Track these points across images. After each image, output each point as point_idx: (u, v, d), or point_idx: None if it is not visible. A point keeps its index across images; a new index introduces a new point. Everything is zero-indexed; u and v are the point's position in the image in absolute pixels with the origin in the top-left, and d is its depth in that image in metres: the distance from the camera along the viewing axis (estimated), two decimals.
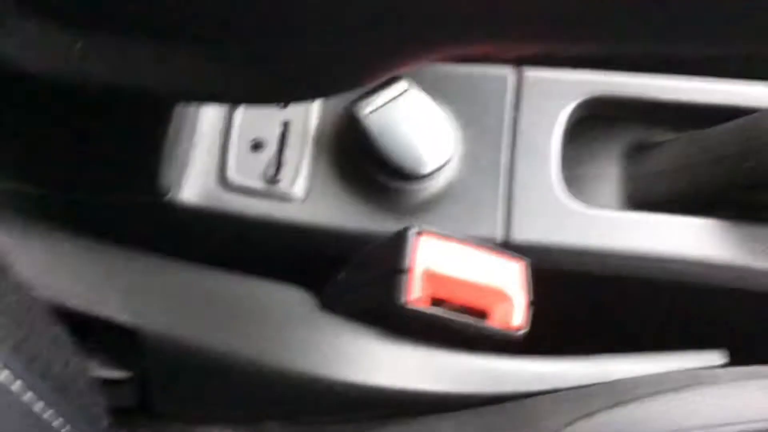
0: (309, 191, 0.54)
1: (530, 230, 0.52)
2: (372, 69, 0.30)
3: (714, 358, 0.45)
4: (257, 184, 0.53)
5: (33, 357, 0.24)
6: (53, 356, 0.26)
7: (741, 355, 0.44)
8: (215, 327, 0.38)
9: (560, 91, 0.55)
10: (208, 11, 0.26)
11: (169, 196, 0.51)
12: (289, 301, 0.45)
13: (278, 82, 0.29)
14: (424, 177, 0.53)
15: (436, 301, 0.46)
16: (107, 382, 0.37)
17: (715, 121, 0.53)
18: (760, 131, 0.49)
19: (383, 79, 0.30)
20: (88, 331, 0.35)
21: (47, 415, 0.26)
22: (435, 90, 0.55)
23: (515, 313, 0.47)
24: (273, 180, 0.53)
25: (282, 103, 0.46)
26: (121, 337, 0.36)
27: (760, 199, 0.51)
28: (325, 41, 0.27)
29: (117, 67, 0.29)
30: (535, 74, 0.56)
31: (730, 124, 0.51)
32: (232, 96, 0.31)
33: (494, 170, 0.54)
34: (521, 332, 0.46)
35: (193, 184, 0.52)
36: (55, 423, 0.27)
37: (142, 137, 0.45)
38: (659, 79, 0.55)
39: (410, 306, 0.44)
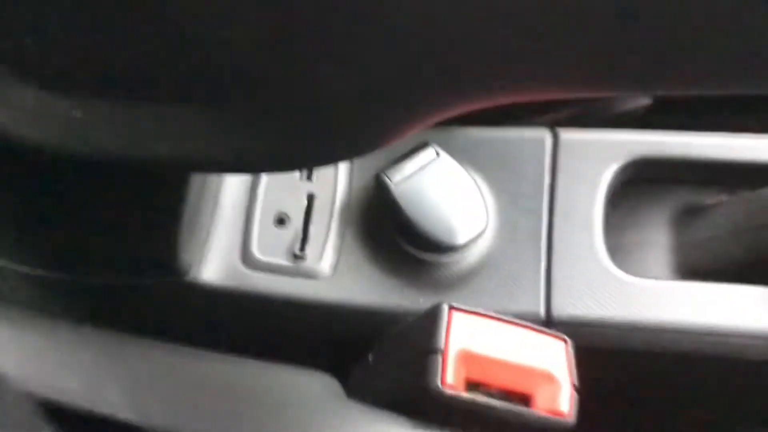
0: (336, 267, 0.51)
1: (574, 304, 0.48)
2: (396, 123, 0.27)
3: None
4: (282, 261, 0.51)
5: None
6: None
7: None
8: (232, 422, 0.35)
9: (600, 153, 0.52)
10: (215, 74, 0.23)
11: (190, 275, 0.49)
12: (313, 389, 0.42)
13: (297, 144, 0.26)
14: (457, 248, 0.50)
15: (473, 384, 0.42)
16: None
17: None
18: None
19: (404, 136, 0.28)
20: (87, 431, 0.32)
21: None
22: (467, 156, 0.53)
23: (562, 396, 0.42)
24: (298, 256, 0.51)
25: (305, 169, 0.43)
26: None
27: None
28: (344, 99, 0.24)
29: (121, 135, 0.27)
30: (572, 136, 0.53)
31: None
32: (246, 162, 0.28)
33: (533, 240, 0.51)
34: (570, 420, 0.42)
35: (215, 263, 0.50)
36: None
37: (157, 212, 0.42)
38: (706, 137, 0.52)
39: (445, 390, 0.40)
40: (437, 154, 0.52)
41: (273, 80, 0.23)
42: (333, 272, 0.51)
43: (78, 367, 0.31)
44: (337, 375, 0.47)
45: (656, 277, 0.51)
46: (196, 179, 0.46)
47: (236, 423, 0.34)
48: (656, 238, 0.53)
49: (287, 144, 0.27)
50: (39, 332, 0.33)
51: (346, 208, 0.53)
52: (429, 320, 0.42)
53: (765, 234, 0.48)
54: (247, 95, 0.24)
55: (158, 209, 0.43)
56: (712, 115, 0.61)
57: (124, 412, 0.30)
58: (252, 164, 0.29)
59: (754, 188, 0.50)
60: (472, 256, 0.50)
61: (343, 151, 0.28)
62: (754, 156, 0.51)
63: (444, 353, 0.41)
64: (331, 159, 0.29)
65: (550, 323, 0.48)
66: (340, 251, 0.51)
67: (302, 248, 0.51)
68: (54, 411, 0.28)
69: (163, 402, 0.33)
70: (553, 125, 0.54)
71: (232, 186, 0.52)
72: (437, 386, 0.40)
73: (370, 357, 0.47)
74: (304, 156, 0.28)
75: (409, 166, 0.51)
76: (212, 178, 0.50)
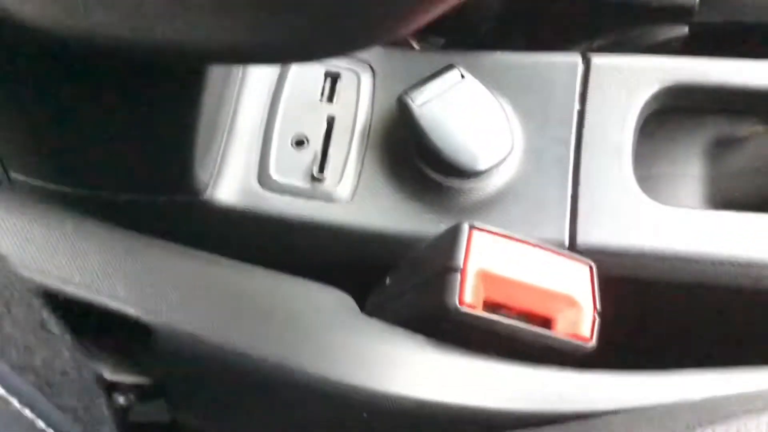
0: (355, 191, 0.49)
1: (600, 232, 0.47)
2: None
3: None
4: (300, 183, 0.49)
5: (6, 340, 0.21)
6: (35, 346, 0.22)
7: None
8: (243, 327, 0.34)
9: (633, 79, 0.50)
10: None
11: (206, 195, 0.47)
12: (329, 302, 0.41)
13: (306, 23, 0.25)
14: (481, 174, 0.48)
15: (492, 306, 0.41)
16: (122, 389, 0.33)
17: None
18: None
19: (416, 23, 0.26)
20: (97, 326, 0.31)
21: (26, 413, 0.22)
22: (494, 80, 0.51)
23: (584, 321, 0.41)
24: (317, 179, 0.49)
25: (317, 59, 0.41)
26: (133, 336, 0.32)
27: None
28: None
29: (125, 18, 0.26)
30: (604, 61, 0.51)
31: None
32: (260, 49, 0.27)
33: (560, 167, 0.49)
34: (591, 345, 0.41)
35: (231, 183, 0.49)
36: (39, 424, 0.23)
37: (170, 126, 0.41)
38: (743, 64, 0.49)
39: (463, 310, 0.39)
40: (462, 76, 0.50)
41: None
42: (352, 196, 0.49)
43: (84, 259, 0.30)
44: (356, 298, 0.46)
45: (687, 207, 0.49)
46: (210, 95, 0.44)
47: (245, 326, 0.33)
48: (689, 169, 0.51)
49: (294, 24, 0.26)
50: (47, 224, 0.32)
51: (367, 131, 0.51)
52: (449, 239, 0.41)
53: None
54: None
55: (171, 123, 0.42)
56: (757, 48, 0.58)
57: (130, 307, 0.29)
58: (262, 52, 0.27)
59: None
60: (496, 182, 0.49)
61: (356, 35, 0.26)
62: None
63: (463, 272, 0.40)
64: (347, 43, 0.27)
65: (575, 251, 0.46)
66: (359, 175, 0.50)
67: (321, 170, 0.50)
68: (54, 300, 0.27)
69: (173, 302, 0.32)
70: (587, 50, 0.52)
71: (250, 106, 0.51)
72: (455, 305, 0.39)
73: (388, 280, 0.46)
74: (315, 38, 0.26)
75: (433, 87, 0.49)
76: (228, 97, 0.49)
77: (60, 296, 0.28)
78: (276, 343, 0.35)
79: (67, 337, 0.25)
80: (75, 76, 0.36)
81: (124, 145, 0.43)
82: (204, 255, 0.40)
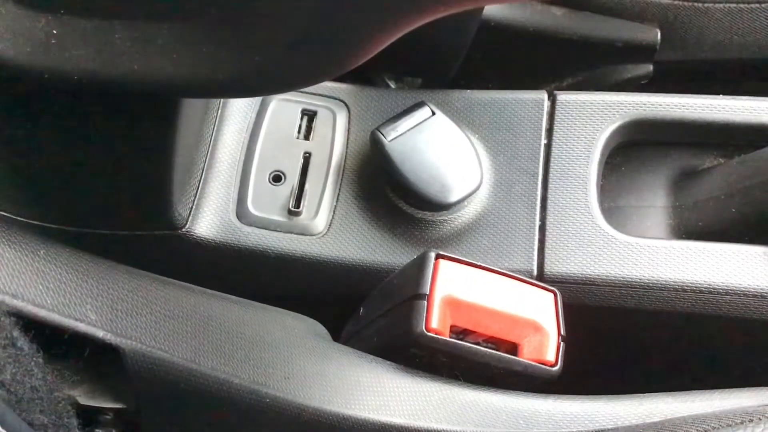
0: (331, 224, 0.51)
1: (567, 262, 0.48)
2: (366, 35, 0.27)
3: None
4: (277, 217, 0.51)
5: None
6: (4, 362, 0.23)
7: None
8: (214, 351, 0.35)
9: (597, 114, 0.52)
10: None
11: (185, 229, 0.49)
12: (300, 329, 0.42)
13: (271, 60, 0.27)
14: (451, 206, 0.50)
15: (459, 332, 0.42)
16: (95, 413, 0.34)
17: (765, 142, 0.49)
18: None
19: (376, 48, 0.28)
20: (70, 350, 0.32)
21: None
22: (464, 117, 0.53)
23: (549, 346, 0.42)
24: (293, 212, 0.51)
25: (283, 91, 0.42)
26: (105, 359, 0.33)
27: None
28: (310, 9, 0.24)
29: (99, 53, 0.27)
30: (569, 98, 0.53)
31: None
32: (221, 82, 0.28)
33: (528, 199, 0.50)
34: (555, 369, 0.42)
35: (210, 217, 0.50)
36: None
37: (147, 161, 0.43)
38: (702, 99, 0.51)
39: (429, 335, 0.40)
40: (433, 113, 0.52)
41: None
42: (327, 229, 0.51)
43: (56, 284, 0.31)
44: (332, 329, 0.47)
45: (651, 238, 0.50)
46: (188, 132, 0.46)
47: (216, 351, 0.34)
48: (653, 200, 0.52)
49: (262, 60, 0.27)
50: (20, 248, 0.33)
51: (342, 166, 0.53)
52: (416, 268, 0.43)
53: (758, 194, 0.47)
54: (216, 9, 0.24)
55: (147, 160, 0.44)
56: (716, 83, 0.61)
57: (99, 330, 0.30)
58: (223, 85, 0.29)
59: (750, 150, 0.49)
60: (466, 214, 0.50)
61: (317, 67, 0.28)
62: (749, 118, 0.50)
63: (429, 299, 0.41)
64: (305, 77, 0.29)
65: (543, 280, 0.48)
66: (335, 208, 0.51)
67: (297, 205, 0.51)
68: (27, 323, 0.28)
69: (143, 325, 0.33)
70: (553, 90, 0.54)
71: (229, 143, 0.52)
72: (422, 330, 0.40)
73: (362, 309, 0.48)
74: (279, 74, 0.28)
75: (404, 123, 0.51)
76: (207, 134, 0.51)
77: (32, 319, 0.29)
78: (246, 367, 0.36)
79: (39, 356, 0.26)
80: (51, 113, 0.38)
81: (102, 182, 0.45)
82: (176, 282, 0.41)
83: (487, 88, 0.55)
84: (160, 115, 0.39)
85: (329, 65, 0.28)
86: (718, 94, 0.52)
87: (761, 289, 0.46)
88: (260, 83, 0.29)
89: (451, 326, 0.42)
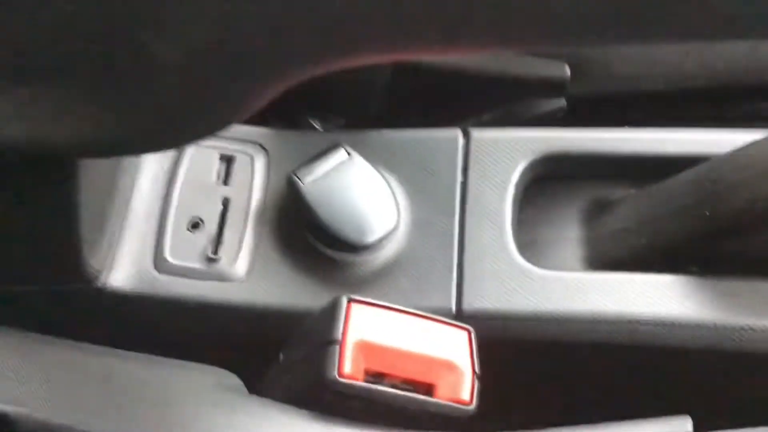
0: (250, 270, 0.51)
1: (484, 298, 0.49)
2: (245, 90, 0.27)
3: (681, 424, 0.40)
4: (195, 264, 0.51)
5: None
6: None
7: (708, 421, 0.40)
8: (114, 414, 0.34)
9: (509, 151, 0.53)
10: (46, 54, 0.24)
11: (99, 282, 0.48)
12: (209, 383, 0.42)
13: (147, 122, 0.27)
14: (369, 247, 0.50)
15: (375, 376, 0.42)
16: None
17: (673, 171, 0.50)
18: (713, 178, 0.46)
19: (260, 102, 0.28)
20: None
21: None
22: (379, 157, 0.53)
23: (464, 385, 0.43)
24: (212, 259, 0.51)
25: (165, 149, 0.42)
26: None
27: (722, 249, 0.47)
28: (180, 71, 0.24)
29: None
30: (483, 135, 0.53)
31: (686, 174, 0.48)
32: (110, 143, 0.28)
33: (445, 237, 0.51)
34: (471, 408, 0.42)
35: (126, 268, 0.50)
36: None
37: (53, 215, 0.42)
38: (612, 132, 0.53)
39: (342, 381, 0.40)
40: (348, 154, 0.52)
41: (101, 55, 0.23)
42: (247, 275, 0.51)
43: None
44: (254, 376, 0.47)
45: (567, 270, 0.51)
46: (98, 182, 0.46)
47: (116, 413, 0.34)
48: (567, 233, 0.53)
49: (140, 122, 0.27)
50: None
51: (262, 210, 0.53)
52: (328, 313, 0.43)
53: (667, 224, 0.49)
54: (87, 70, 0.24)
55: (55, 217, 0.43)
56: (629, 115, 0.62)
57: (10, 405, 0.29)
58: (111, 145, 0.29)
59: (659, 180, 0.51)
60: (384, 254, 0.51)
61: (196, 127, 0.28)
62: (657, 148, 0.52)
63: (342, 344, 0.41)
64: (185, 136, 0.29)
65: (460, 317, 0.48)
66: (254, 253, 0.51)
67: (216, 251, 0.51)
68: None
69: (36, 391, 0.32)
70: (467, 124, 0.54)
71: (146, 192, 0.52)
72: (334, 376, 0.40)
73: (281, 356, 0.47)
74: (158, 134, 0.28)
75: (321, 166, 0.51)
76: (122, 183, 0.50)
77: None
78: (148, 429, 0.35)
79: None
80: None
81: (12, 239, 0.44)
82: (73, 344, 0.41)
83: (410, 125, 0.56)
84: (61, 173, 0.39)
85: (215, 121, 0.28)
86: (633, 125, 0.54)
87: (672, 317, 0.47)
88: (149, 142, 0.29)
89: (366, 370, 0.42)
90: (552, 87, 0.59)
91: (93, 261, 0.47)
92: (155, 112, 0.26)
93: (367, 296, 0.44)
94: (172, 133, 0.28)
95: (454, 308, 0.49)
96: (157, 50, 0.23)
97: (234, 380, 0.44)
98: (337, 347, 0.41)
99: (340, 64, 0.27)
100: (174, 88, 0.25)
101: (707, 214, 0.46)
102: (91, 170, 0.43)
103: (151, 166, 0.53)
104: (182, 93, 0.25)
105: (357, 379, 0.41)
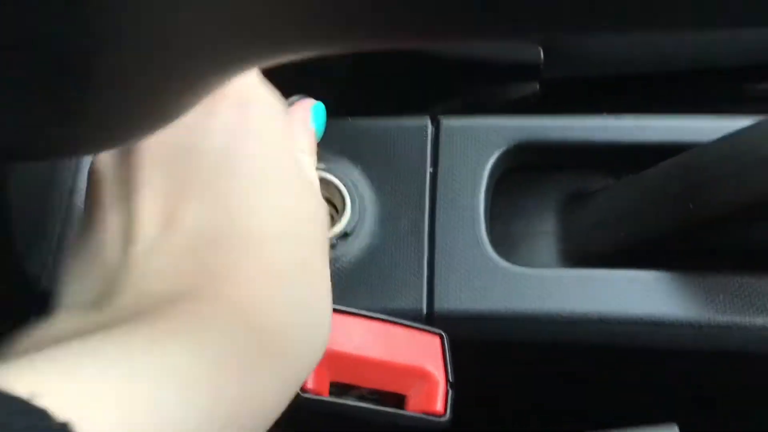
0: None
1: (457, 298, 0.46)
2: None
3: None
4: None
5: None
6: None
7: (693, 424, 0.37)
8: None
9: (481, 139, 0.50)
10: None
11: (40, 286, 0.45)
12: None
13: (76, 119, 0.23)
14: (334, 243, 0.47)
15: (341, 387, 0.39)
16: None
17: (653, 161, 0.47)
18: (696, 168, 0.44)
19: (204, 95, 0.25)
20: None
21: None
22: (344, 147, 0.50)
23: (437, 395, 0.40)
24: None
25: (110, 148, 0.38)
26: None
27: (705, 243, 0.45)
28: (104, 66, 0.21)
29: None
30: (454, 123, 0.50)
31: (668, 163, 0.46)
32: (44, 147, 0.25)
33: (415, 232, 0.48)
34: (445, 419, 0.40)
35: None
36: None
37: None
38: (590, 120, 0.50)
39: (306, 396, 0.37)
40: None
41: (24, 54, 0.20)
42: None
43: None
44: None
45: (543, 266, 0.49)
46: (36, 181, 0.42)
47: None
48: (543, 226, 0.51)
49: (78, 124, 0.24)
50: None
51: None
52: None
53: (648, 217, 0.46)
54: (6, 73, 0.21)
55: None
56: (606, 99, 0.60)
57: None
58: (38, 150, 0.25)
59: (638, 171, 0.48)
60: (348, 252, 0.47)
61: (139, 127, 0.24)
62: (638, 137, 0.49)
63: None
64: (129, 135, 0.25)
65: (431, 318, 0.45)
66: None
67: None
68: None
69: None
70: (441, 113, 0.51)
71: None
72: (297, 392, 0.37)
73: None
74: (98, 135, 0.24)
75: None
76: (62, 180, 0.46)
77: None
78: None
79: None
80: None
81: None
82: None
83: (375, 113, 0.53)
84: None
85: (160, 117, 0.25)
86: (610, 110, 0.51)
87: (653, 315, 0.44)
88: (90, 143, 0.25)
89: (331, 382, 0.39)
90: (525, 70, 0.56)
91: (31, 265, 0.44)
92: (94, 112, 0.23)
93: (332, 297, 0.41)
94: (113, 132, 0.25)
95: (425, 309, 0.46)
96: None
97: None
98: None
99: (300, 55, 0.23)
100: (115, 86, 0.22)
101: (690, 206, 0.43)
102: (26, 170, 0.39)
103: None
104: (122, 90, 0.22)
105: (322, 393, 0.38)
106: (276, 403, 0.30)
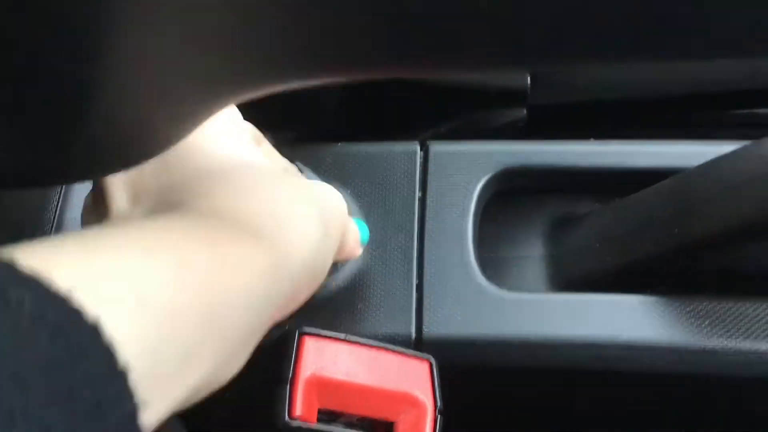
0: None
1: (446, 323, 0.46)
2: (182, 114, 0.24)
3: None
4: None
5: None
6: None
7: None
8: None
9: (470, 165, 0.50)
10: None
11: None
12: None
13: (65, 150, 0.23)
14: None
15: (330, 414, 0.39)
16: None
17: (640, 186, 0.48)
18: (682, 193, 0.44)
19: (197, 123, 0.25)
20: None
21: None
22: (335, 172, 0.50)
23: (425, 422, 0.40)
24: None
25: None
26: None
27: (691, 268, 0.45)
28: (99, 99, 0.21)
29: None
30: (442, 149, 0.51)
31: (654, 189, 0.46)
32: (29, 176, 0.25)
33: (404, 257, 0.48)
34: None
35: None
36: None
37: None
38: (577, 145, 0.50)
39: (294, 423, 0.37)
40: (301, 171, 0.49)
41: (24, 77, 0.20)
42: None
43: None
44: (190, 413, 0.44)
45: (531, 291, 0.49)
46: (26, 197, 0.42)
47: None
48: (530, 250, 0.51)
49: (66, 153, 0.24)
50: None
51: None
52: (279, 349, 0.39)
53: (634, 241, 0.46)
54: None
55: None
56: (593, 124, 0.60)
57: None
58: (23, 178, 0.25)
59: (625, 195, 0.48)
60: (338, 276, 0.48)
61: (126, 157, 0.25)
62: (625, 162, 0.49)
63: (293, 383, 0.38)
64: (118, 165, 0.25)
65: (420, 343, 0.45)
66: None
67: None
68: None
69: None
70: (430, 139, 0.52)
71: (78, 202, 0.49)
72: (285, 420, 0.37)
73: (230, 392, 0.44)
74: (88, 164, 0.25)
75: None
76: (52, 195, 0.47)
77: None
78: None
79: None
80: None
81: None
82: None
83: (365, 138, 0.53)
84: None
85: (149, 148, 0.25)
86: (597, 135, 0.51)
87: (641, 340, 0.44)
88: (60, 174, 0.26)
89: (319, 409, 0.39)
90: (512, 97, 0.57)
91: None
92: (83, 142, 0.23)
93: (318, 323, 0.41)
94: (103, 161, 0.25)
95: (413, 334, 0.46)
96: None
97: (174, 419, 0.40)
98: (287, 387, 0.38)
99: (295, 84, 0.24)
100: (105, 114, 0.22)
101: (676, 231, 0.44)
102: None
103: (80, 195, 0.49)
104: (111, 119, 0.22)
105: (310, 420, 0.38)
106: (247, 286, 0.30)
